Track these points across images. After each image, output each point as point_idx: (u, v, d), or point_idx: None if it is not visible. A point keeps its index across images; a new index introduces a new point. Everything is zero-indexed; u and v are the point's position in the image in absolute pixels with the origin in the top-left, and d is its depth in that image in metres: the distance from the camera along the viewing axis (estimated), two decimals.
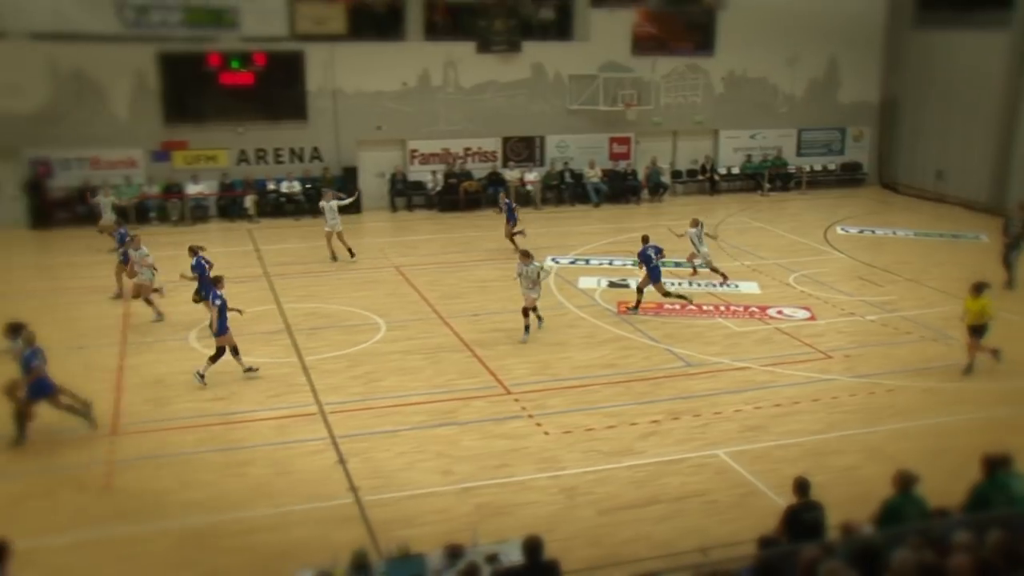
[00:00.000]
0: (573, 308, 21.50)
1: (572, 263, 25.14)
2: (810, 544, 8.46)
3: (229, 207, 31.26)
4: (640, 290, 21.22)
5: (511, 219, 26.17)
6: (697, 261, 23.78)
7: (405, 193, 33.06)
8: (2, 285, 23.44)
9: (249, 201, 30.99)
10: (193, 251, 20.34)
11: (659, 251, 21.04)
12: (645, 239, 21.35)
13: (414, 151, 33.36)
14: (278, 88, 31.76)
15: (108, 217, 27.22)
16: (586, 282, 23.39)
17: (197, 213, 30.86)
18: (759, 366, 18.00)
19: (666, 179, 35.19)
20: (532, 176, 33.67)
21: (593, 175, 34.09)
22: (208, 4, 30.81)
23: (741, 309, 21.43)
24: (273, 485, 13.40)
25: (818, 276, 24.07)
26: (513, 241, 26.03)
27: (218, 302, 17.06)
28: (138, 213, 30.18)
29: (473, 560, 9.20)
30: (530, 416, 15.68)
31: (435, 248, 26.90)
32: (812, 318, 20.85)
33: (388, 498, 12.97)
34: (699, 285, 23.26)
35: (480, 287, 22.84)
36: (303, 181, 31.78)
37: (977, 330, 17.26)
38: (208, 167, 31.52)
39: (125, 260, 22.03)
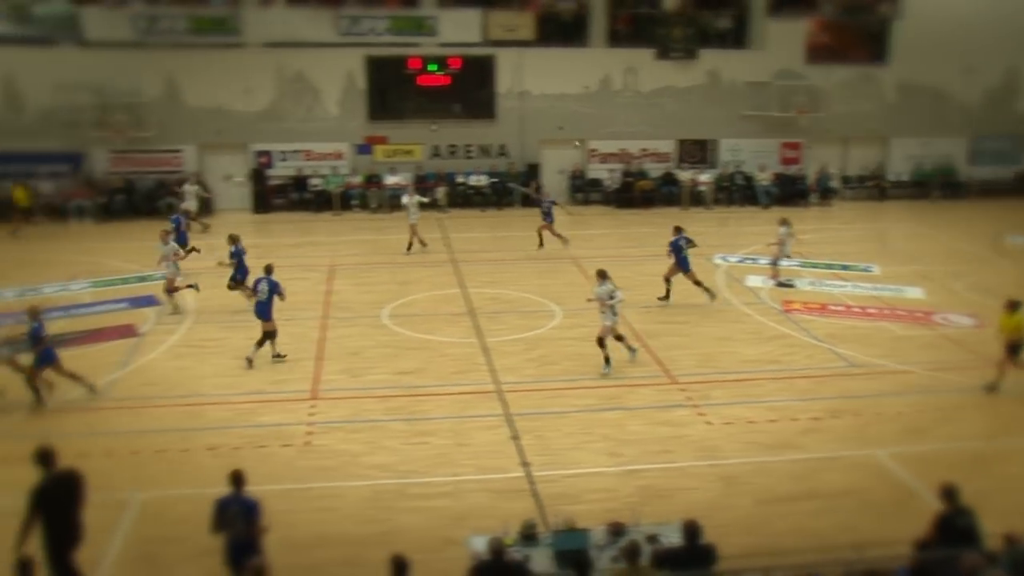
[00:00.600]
0: (740, 305, 20.96)
1: (740, 262, 24.52)
2: (972, 552, 7.96)
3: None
4: (668, 279, 20.68)
5: (548, 218, 25.33)
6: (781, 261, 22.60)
7: (583, 189, 33.02)
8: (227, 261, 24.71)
9: (440, 192, 31.59)
10: (232, 239, 20.46)
11: (689, 242, 20.42)
12: (678, 229, 20.65)
13: (593, 150, 33.29)
14: (470, 89, 32.29)
15: (190, 204, 28.13)
16: (753, 280, 22.75)
17: (393, 202, 31.58)
18: (922, 370, 17.05)
19: (835, 184, 33.87)
20: (704, 177, 33.04)
21: (763, 178, 33.15)
22: (411, 13, 31.66)
23: (906, 313, 20.40)
24: (452, 455, 13.61)
25: (986, 284, 22.62)
26: (541, 236, 25.42)
27: (265, 287, 17.04)
28: (342, 200, 31.26)
29: (634, 539, 9.09)
30: (694, 406, 15.38)
31: (610, 243, 26.73)
32: (979, 325, 19.59)
33: (556, 475, 12.97)
34: (864, 287, 22.31)
35: (652, 281, 22.41)
36: (490, 175, 32.20)
37: (1014, 347, 15.80)
38: (405, 160, 32.37)
39: (181, 241, 22.85)
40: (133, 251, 24.92)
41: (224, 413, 15.04)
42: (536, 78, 32.22)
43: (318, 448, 13.85)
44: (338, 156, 32.10)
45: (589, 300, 17.25)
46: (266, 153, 31.70)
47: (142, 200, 30.51)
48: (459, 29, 31.74)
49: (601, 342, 16.51)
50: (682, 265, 20.50)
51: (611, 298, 16.35)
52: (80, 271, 22.90)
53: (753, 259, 24.56)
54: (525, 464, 13.28)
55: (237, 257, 20.23)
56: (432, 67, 31.84)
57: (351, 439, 14.12)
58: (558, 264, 24.32)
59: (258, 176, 31.36)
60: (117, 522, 11.71)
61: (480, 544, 9.23)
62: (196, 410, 15.15)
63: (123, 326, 19.25)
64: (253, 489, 9.76)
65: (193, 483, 12.55)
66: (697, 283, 20.56)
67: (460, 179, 32.20)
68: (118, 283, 21.68)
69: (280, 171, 31.76)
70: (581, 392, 15.92)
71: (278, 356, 17.32)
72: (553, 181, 32.71)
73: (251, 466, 10.81)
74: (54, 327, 19.03)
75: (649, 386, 16.28)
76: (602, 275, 16.63)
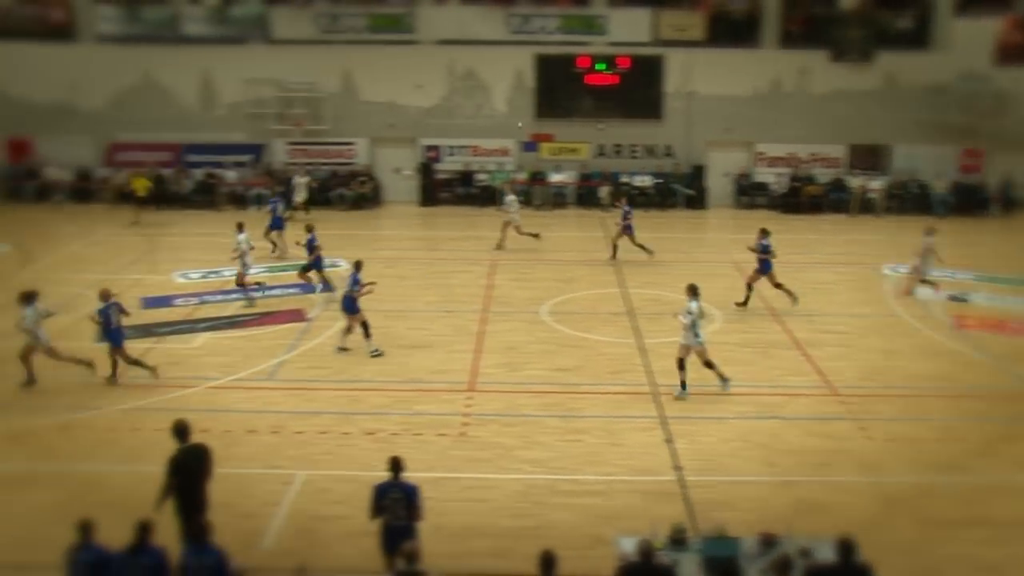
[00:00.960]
0: (908, 317, 20.03)
1: (911, 273, 23.36)
2: None
3: (586, 196, 31.99)
4: (779, 285, 20.07)
5: (627, 229, 24.12)
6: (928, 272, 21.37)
7: (748, 193, 32.29)
8: (393, 251, 25.54)
9: (604, 191, 31.53)
10: (309, 229, 21.11)
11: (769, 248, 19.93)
12: (764, 232, 20.17)
13: (760, 153, 32.48)
14: (638, 89, 32.02)
15: (300, 195, 28.78)
16: (924, 293, 21.66)
17: (557, 200, 31.83)
18: None
19: (1019, 194, 31.79)
20: (876, 184, 31.68)
21: (940, 186, 31.50)
22: (581, 12, 31.73)
23: None
24: (604, 454, 13.57)
25: None
26: (641, 245, 24.29)
27: (356, 287, 17.25)
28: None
29: (786, 551, 8.86)
30: (855, 419, 14.79)
31: (776, 248, 25.97)
32: None
33: (709, 480, 12.75)
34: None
35: (816, 288, 21.83)
36: (655, 176, 31.92)
37: None
38: (570, 158, 32.48)
39: (274, 226, 24.44)
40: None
41: (383, 399, 15.48)
42: (705, 79, 31.66)
43: (472, 439, 14.07)
44: (504, 152, 32.52)
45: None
46: (435, 148, 32.45)
47: (316, 190, 31.70)
48: (629, 28, 31.60)
49: (710, 365, 15.51)
50: (764, 267, 20.10)
51: (686, 315, 15.13)
52: (257, 256, 23.94)
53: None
54: (678, 468, 13.11)
55: (309, 248, 20.83)
56: (600, 66, 31.78)
57: (505, 432, 14.28)
58: (718, 267, 23.85)
59: (426, 170, 32.14)
60: (282, 496, 12.26)
61: (629, 545, 9.18)
62: (357, 395, 15.66)
63: (293, 311, 20.08)
64: (407, 476, 10.00)
65: (352, 465, 13.01)
66: (749, 287, 20.23)
67: (624, 179, 32.04)
68: (291, 269, 22.58)
69: (447, 165, 32.45)
70: (738, 399, 15.57)
71: (343, 349, 17.62)
72: (717, 183, 32.14)
73: (407, 453, 11.07)
74: (231, 308, 20.18)
75: (809, 396, 15.79)
76: (692, 291, 15.39)
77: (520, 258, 24.69)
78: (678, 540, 9.58)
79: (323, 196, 31.44)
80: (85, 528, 8.92)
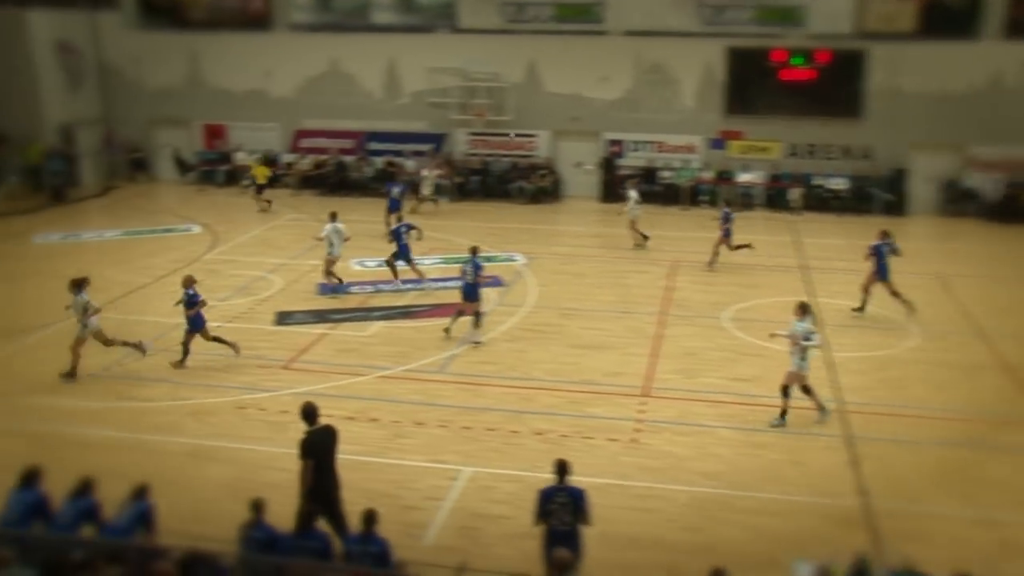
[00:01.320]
0: None
1: None
2: None
3: (775, 197, 31.10)
4: (866, 289, 19.66)
5: (726, 233, 23.10)
6: None
7: (956, 200, 30.48)
8: (571, 248, 25.63)
9: (795, 193, 30.55)
10: (399, 218, 22.10)
11: (894, 250, 19.58)
12: (884, 234, 19.51)
13: (973, 157, 30.63)
14: (836, 85, 30.82)
15: (427, 188, 29.38)
16: None
17: (744, 200, 31.06)
18: None
19: None
20: None
21: None
22: (778, 2, 30.80)
23: None
24: (784, 472, 13.13)
25: None
26: (716, 253, 23.29)
27: (480, 271, 17.87)
28: (691, 195, 31.16)
29: None
30: None
31: (986, 260, 24.52)
32: None
33: (898, 509, 12.11)
34: None
35: None
36: (851, 179, 30.67)
37: None
38: (759, 157, 31.65)
39: (393, 208, 25.85)
40: (484, 232, 26.27)
41: (554, 399, 15.52)
42: (912, 74, 30.07)
43: (644, 446, 13.91)
44: (690, 149, 32.03)
45: (773, 335, 15.55)
46: (618, 142, 32.32)
47: (495, 182, 32.25)
48: (829, 19, 30.39)
49: (786, 391, 14.54)
50: (881, 272, 19.32)
51: (807, 339, 14.30)
52: (433, 247, 24.51)
53: None
54: (863, 493, 12.53)
55: (396, 237, 21.37)
56: (797, 60, 30.79)
57: (678, 441, 14.06)
58: (917, 279, 22.55)
59: (608, 165, 32.06)
60: (446, 491, 12.48)
61: (806, 571, 8.88)
62: (528, 393, 15.75)
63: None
64: (575, 480, 9.96)
65: (520, 465, 13.10)
66: (895, 294, 19.45)
67: (817, 181, 30.94)
68: (452, 261, 22.98)
69: (630, 161, 32.22)
70: (936, 423, 14.72)
71: (447, 332, 18.11)
72: (921, 189, 30.51)
73: (575, 456, 11.07)
74: (404, 299, 20.72)
75: (1020, 426, 14.76)
76: (803, 309, 14.61)
77: (703, 260, 24.16)
78: (860, 571, 9.13)
79: (502, 188, 31.95)
80: (257, 507, 9.40)
